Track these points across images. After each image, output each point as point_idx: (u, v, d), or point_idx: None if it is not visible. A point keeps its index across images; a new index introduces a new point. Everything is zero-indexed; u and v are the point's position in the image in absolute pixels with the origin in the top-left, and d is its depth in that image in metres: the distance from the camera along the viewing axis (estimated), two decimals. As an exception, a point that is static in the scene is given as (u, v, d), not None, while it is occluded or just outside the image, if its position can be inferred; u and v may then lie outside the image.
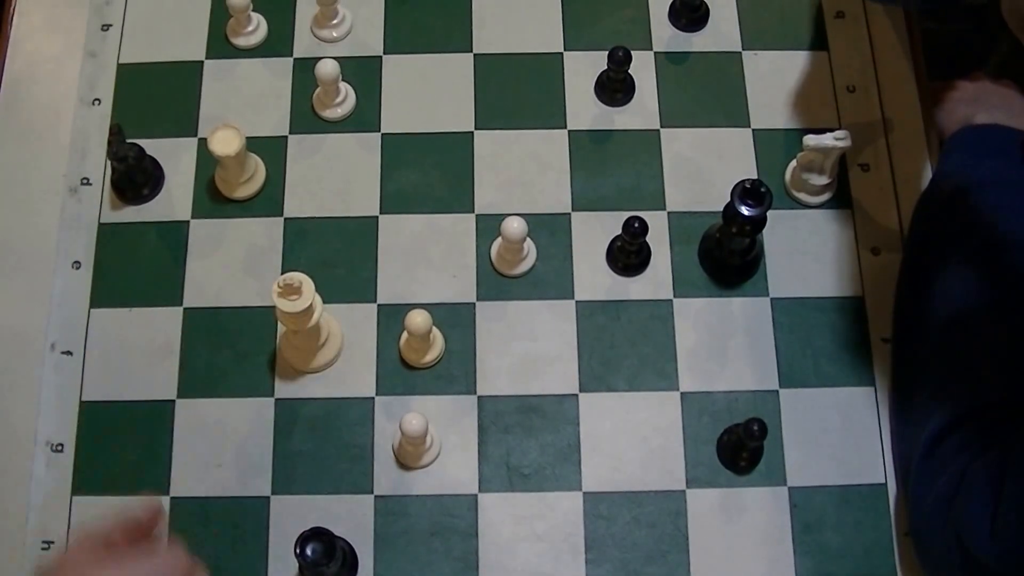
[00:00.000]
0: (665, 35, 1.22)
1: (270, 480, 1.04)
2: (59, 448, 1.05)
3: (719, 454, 1.05)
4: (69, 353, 1.08)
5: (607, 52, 1.13)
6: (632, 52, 1.13)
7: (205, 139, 1.10)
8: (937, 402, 0.98)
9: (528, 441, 1.05)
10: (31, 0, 1.24)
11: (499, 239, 1.09)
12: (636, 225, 1.05)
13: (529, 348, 1.09)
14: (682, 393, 1.07)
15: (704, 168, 1.15)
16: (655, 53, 1.21)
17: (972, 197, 1.06)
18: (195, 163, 1.16)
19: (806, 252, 1.12)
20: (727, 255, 1.10)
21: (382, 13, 1.23)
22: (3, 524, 1.03)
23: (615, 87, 1.18)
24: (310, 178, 1.15)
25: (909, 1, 1.17)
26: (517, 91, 1.19)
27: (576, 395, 1.07)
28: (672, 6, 1.22)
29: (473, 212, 1.14)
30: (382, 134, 1.17)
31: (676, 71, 1.20)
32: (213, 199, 1.14)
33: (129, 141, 1.10)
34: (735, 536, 1.03)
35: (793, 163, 1.14)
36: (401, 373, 1.08)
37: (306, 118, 1.18)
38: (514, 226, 1.05)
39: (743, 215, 1.03)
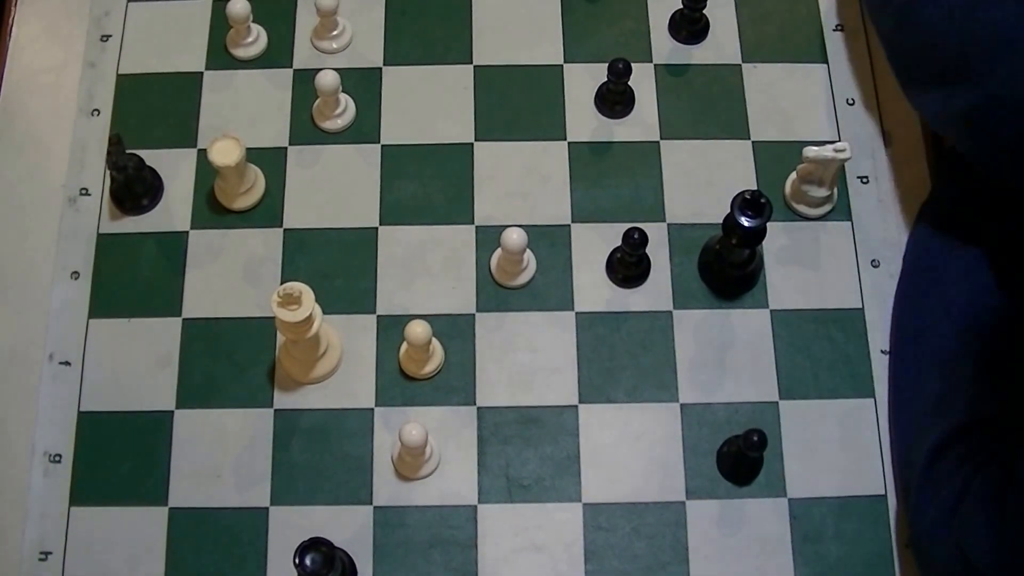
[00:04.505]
0: (665, 48, 1.22)
1: (269, 491, 1.04)
2: (57, 459, 1.05)
3: (719, 465, 1.05)
4: (67, 363, 1.08)
5: (607, 64, 1.13)
6: (632, 64, 1.13)
7: (204, 150, 1.10)
8: (938, 414, 0.98)
9: (527, 452, 1.05)
10: (30, 10, 1.24)
11: (499, 250, 1.09)
12: (636, 236, 1.05)
13: (529, 359, 1.08)
14: (682, 404, 1.07)
15: (704, 180, 1.16)
16: (655, 65, 1.21)
17: (972, 209, 1.06)
18: (194, 174, 1.16)
19: (806, 264, 1.12)
20: (727, 267, 1.09)
21: (382, 24, 1.23)
22: (0, 535, 1.03)
23: (615, 99, 1.18)
24: (310, 189, 1.15)
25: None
26: (517, 103, 1.19)
27: (576, 406, 1.07)
28: (672, 19, 1.23)
29: (473, 223, 1.14)
30: (382, 145, 1.17)
31: (676, 83, 1.20)
32: (212, 210, 1.14)
33: (128, 151, 1.10)
34: (735, 547, 1.02)
35: (793, 175, 1.14)
36: (400, 384, 1.08)
37: (306, 129, 1.18)
38: (514, 237, 1.05)
39: (743, 226, 1.03)
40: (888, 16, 1.08)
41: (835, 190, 1.14)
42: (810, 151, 1.09)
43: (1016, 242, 1.02)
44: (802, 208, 1.14)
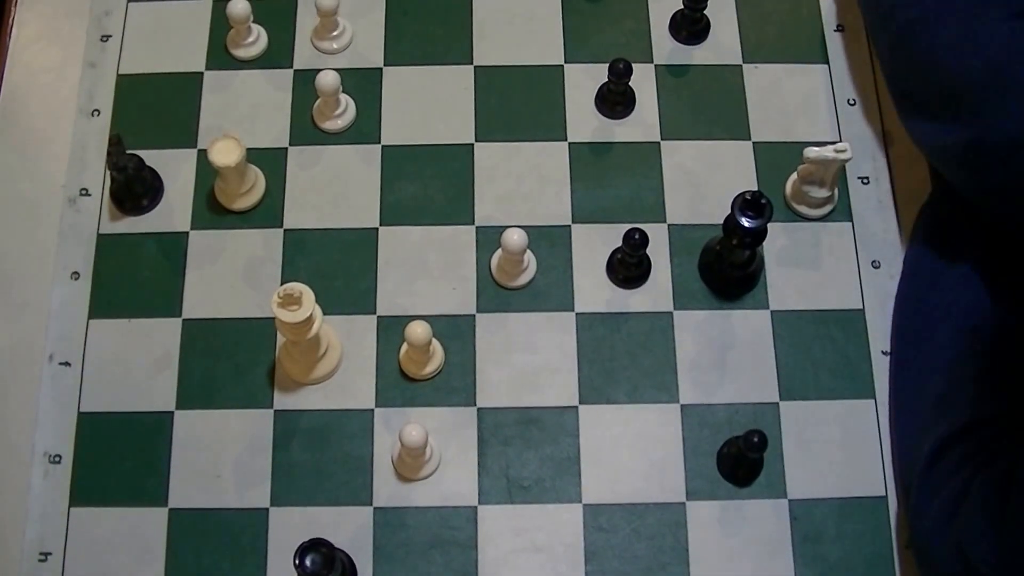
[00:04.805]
0: (666, 48, 1.22)
1: (269, 491, 1.03)
2: (57, 459, 1.05)
3: (719, 466, 1.05)
4: (67, 364, 1.08)
5: (607, 64, 1.13)
6: (632, 65, 1.13)
7: (205, 150, 1.10)
8: (938, 415, 0.98)
9: (528, 453, 1.05)
10: (30, 10, 1.24)
11: (499, 251, 1.09)
12: (637, 237, 1.05)
13: (529, 360, 1.08)
14: (682, 405, 1.07)
15: (704, 180, 1.15)
16: (656, 66, 1.21)
17: (972, 210, 1.06)
18: (194, 174, 1.16)
19: (806, 265, 1.12)
20: (727, 267, 1.09)
21: (382, 25, 1.23)
22: (0, 535, 1.02)
23: (615, 99, 1.18)
24: (310, 190, 1.15)
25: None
26: (517, 103, 1.19)
27: (576, 407, 1.07)
28: (673, 19, 1.22)
29: (473, 224, 1.14)
30: (382, 146, 1.17)
31: (676, 84, 1.20)
32: (212, 210, 1.14)
33: (128, 151, 1.09)
34: (735, 548, 1.02)
35: (794, 176, 1.14)
36: (400, 385, 1.07)
37: (306, 130, 1.18)
38: (514, 238, 1.05)
39: (743, 227, 1.02)
40: (884, 42, 1.08)
41: (836, 191, 1.14)
42: (811, 152, 1.09)
43: (1016, 243, 1.02)
44: (803, 209, 1.14)
